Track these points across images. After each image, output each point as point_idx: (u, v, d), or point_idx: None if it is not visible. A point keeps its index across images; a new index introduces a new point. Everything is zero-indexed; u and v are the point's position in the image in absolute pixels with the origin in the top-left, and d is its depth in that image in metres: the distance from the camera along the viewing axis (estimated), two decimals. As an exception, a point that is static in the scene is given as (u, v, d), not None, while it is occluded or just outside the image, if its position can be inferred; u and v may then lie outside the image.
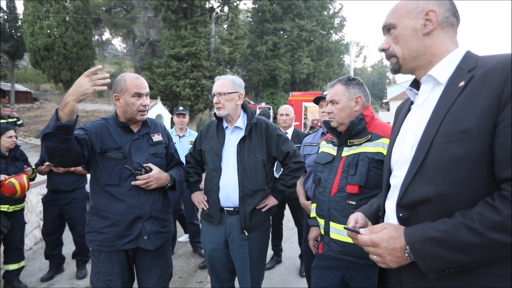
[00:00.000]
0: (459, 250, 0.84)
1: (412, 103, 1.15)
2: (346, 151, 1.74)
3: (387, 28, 1.10)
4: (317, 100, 2.62)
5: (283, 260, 3.99)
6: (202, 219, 2.28)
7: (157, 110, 14.03)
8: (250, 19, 25.68)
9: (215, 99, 2.11)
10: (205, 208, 2.20)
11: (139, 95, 1.97)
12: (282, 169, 2.29)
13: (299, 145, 3.09)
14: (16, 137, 3.50)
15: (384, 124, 1.76)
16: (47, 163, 3.41)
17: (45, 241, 3.69)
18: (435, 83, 1.03)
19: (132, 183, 1.92)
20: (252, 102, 16.47)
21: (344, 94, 1.78)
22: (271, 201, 2.18)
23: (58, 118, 1.65)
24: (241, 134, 2.13)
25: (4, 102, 22.25)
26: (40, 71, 17.37)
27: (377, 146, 1.65)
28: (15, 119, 10.06)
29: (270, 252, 3.95)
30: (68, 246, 3.92)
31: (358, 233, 1.01)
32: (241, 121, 2.17)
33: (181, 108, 4.20)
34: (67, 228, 3.69)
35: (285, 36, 23.97)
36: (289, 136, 3.62)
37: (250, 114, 2.16)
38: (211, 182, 2.14)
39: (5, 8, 21.08)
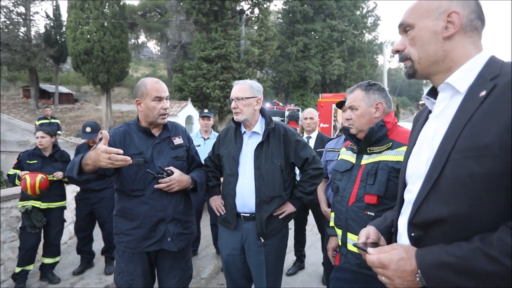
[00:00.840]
0: (475, 278, 0.76)
1: (430, 111, 1.07)
2: (366, 159, 1.67)
3: (404, 28, 1.02)
4: (340, 105, 2.54)
5: (306, 266, 3.92)
6: (219, 224, 2.29)
7: (188, 111, 14.36)
8: (281, 20, 25.61)
9: (232, 104, 2.10)
10: (222, 213, 2.20)
11: (159, 98, 2.01)
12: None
13: (323, 149, 3.03)
14: (55, 138, 3.68)
15: (407, 131, 1.67)
16: None
17: (77, 237, 3.90)
18: (453, 91, 0.94)
19: (155, 186, 1.96)
20: (281, 104, 16.35)
21: (364, 100, 1.71)
22: (289, 208, 2.13)
23: (80, 170, 1.78)
24: (258, 139, 2.11)
25: (48, 103, 23.87)
26: (80, 74, 18.40)
27: (399, 155, 1.56)
28: (58, 121, 10.46)
29: (293, 258, 3.91)
30: (99, 242, 4.09)
31: (366, 251, 0.95)
32: (259, 126, 2.15)
33: (206, 110, 4.27)
34: (97, 225, 3.86)
35: (316, 37, 23.67)
36: (313, 140, 3.57)
37: (268, 119, 2.14)
38: (228, 187, 2.14)
39: (51, 16, 22.61)
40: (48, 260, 3.61)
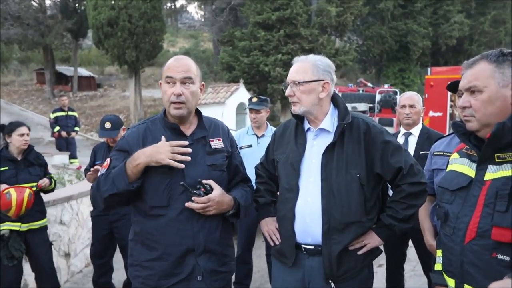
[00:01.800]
0: None
1: None
2: (493, 172, 1.53)
3: None
4: (454, 87, 2.36)
5: (404, 323, 3.77)
6: (273, 257, 2.29)
7: (239, 97, 14.67)
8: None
9: (288, 90, 2.10)
10: (276, 243, 2.20)
11: (170, 79, 2.04)
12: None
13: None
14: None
15: None
16: (96, 167, 3.74)
17: (93, 265, 4.20)
18: None
19: (186, 204, 1.98)
20: (369, 84, 15.95)
21: (494, 77, 1.55)
22: (372, 240, 2.07)
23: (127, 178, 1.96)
24: (329, 139, 2.07)
25: (66, 89, 26.32)
26: (103, 52, 19.93)
27: (549, 167, 1.40)
28: (76, 114, 11.43)
29: (384, 310, 3.78)
30: (121, 271, 4.36)
31: None
32: (329, 121, 2.12)
33: (254, 100, 4.22)
34: (118, 249, 4.12)
35: (425, -16, 22.61)
36: (415, 138, 3.48)
37: (343, 111, 2.10)
38: (284, 206, 2.14)
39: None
40: None
